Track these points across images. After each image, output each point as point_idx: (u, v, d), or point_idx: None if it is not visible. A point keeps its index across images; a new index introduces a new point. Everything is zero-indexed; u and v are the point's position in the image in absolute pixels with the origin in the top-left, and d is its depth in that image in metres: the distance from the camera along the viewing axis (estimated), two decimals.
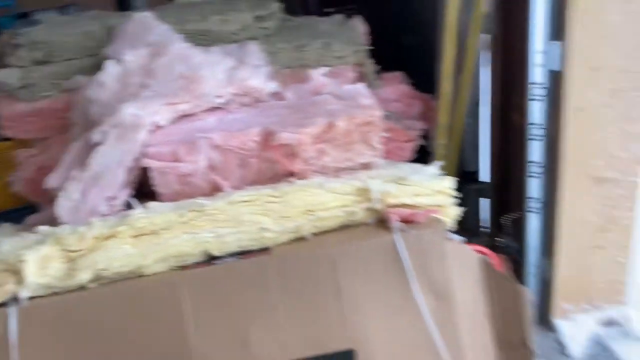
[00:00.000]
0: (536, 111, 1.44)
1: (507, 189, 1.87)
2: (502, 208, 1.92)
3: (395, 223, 1.11)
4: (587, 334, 1.64)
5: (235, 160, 1.24)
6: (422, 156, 1.89)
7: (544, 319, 1.71)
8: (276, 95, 1.42)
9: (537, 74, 1.38)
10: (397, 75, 2.07)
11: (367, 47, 1.90)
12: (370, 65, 1.86)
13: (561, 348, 1.63)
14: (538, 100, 1.41)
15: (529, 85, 1.42)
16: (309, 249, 1.10)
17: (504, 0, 1.63)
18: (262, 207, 1.12)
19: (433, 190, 1.20)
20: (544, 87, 1.40)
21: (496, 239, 1.80)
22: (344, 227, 1.16)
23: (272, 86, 1.38)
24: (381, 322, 1.10)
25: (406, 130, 1.83)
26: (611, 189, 1.49)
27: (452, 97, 1.87)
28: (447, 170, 2.00)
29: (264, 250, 1.12)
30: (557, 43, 1.34)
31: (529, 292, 1.14)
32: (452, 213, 1.22)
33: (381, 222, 1.15)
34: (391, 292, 1.10)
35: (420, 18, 2.40)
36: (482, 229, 2.11)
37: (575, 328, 1.65)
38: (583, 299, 1.65)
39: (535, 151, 1.49)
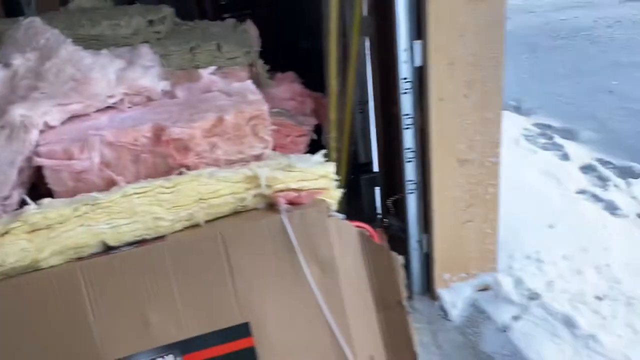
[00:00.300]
0: (406, 103, 1.61)
1: (393, 176, 2.05)
2: (390, 193, 2.10)
3: (282, 205, 1.22)
4: (465, 300, 1.85)
5: (128, 156, 1.30)
6: (317, 150, 2.03)
7: (429, 289, 1.91)
8: (168, 94, 1.50)
9: (404, 70, 1.56)
10: (290, 75, 2.21)
11: (259, 49, 2.02)
12: (261, 66, 1.97)
13: (443, 314, 1.83)
14: (407, 93, 1.59)
15: (400, 80, 1.59)
16: (201, 234, 1.18)
17: (377, 4, 1.80)
18: (155, 197, 1.19)
19: (317, 175, 1.32)
20: (411, 81, 1.57)
21: (384, 220, 1.98)
22: (236, 213, 1.26)
23: (162, 85, 1.45)
24: (273, 295, 1.20)
25: (299, 126, 1.95)
26: (474, 169, 1.70)
27: (340, 95, 2.02)
28: (341, 161, 2.17)
29: (159, 238, 1.19)
30: (419, 42, 1.52)
31: (401, 259, 1.29)
32: (335, 194, 1.35)
33: (270, 206, 1.26)
34: (281, 267, 1.21)
35: (310, 23, 2.55)
36: (378, 215, 2.29)
37: (455, 295, 1.85)
38: (460, 268, 1.86)
39: (408, 139, 1.67)
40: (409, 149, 1.68)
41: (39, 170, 1.25)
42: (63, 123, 1.32)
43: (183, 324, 1.16)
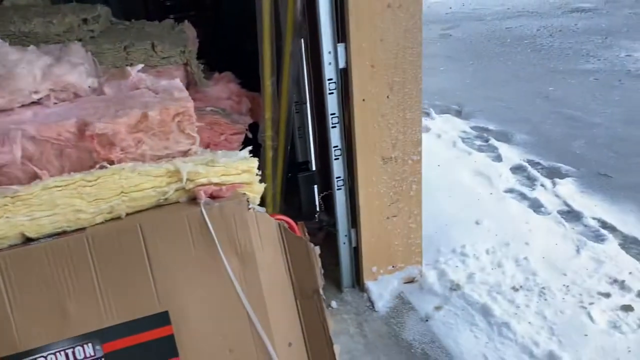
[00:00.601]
0: (332, 103, 1.69)
1: (327, 173, 2.12)
2: (326, 190, 2.17)
3: (202, 198, 1.27)
4: (391, 292, 1.94)
5: (52, 150, 1.32)
6: (255, 148, 2.09)
7: (358, 281, 1.99)
8: (96, 91, 1.52)
9: (328, 71, 1.63)
10: (227, 75, 2.25)
11: (195, 49, 2.06)
12: (196, 65, 2.01)
13: (371, 305, 1.91)
14: (332, 93, 1.66)
15: (325, 81, 1.66)
16: (121, 226, 1.22)
17: (308, 7, 1.86)
18: (77, 190, 1.22)
19: (239, 169, 1.37)
20: (335, 82, 1.65)
21: (315, 215, 2.05)
22: (158, 207, 1.30)
23: (90, 82, 1.47)
24: (192, 285, 1.25)
25: (234, 124, 2.00)
26: (397, 167, 1.79)
27: (275, 95, 2.08)
28: (277, 159, 2.23)
29: (79, 230, 1.22)
30: (342, 45, 1.60)
31: (317, 249, 1.35)
32: (257, 189, 1.41)
33: (192, 200, 1.31)
34: (200, 258, 1.25)
35: (252, 25, 2.61)
36: (316, 212, 2.36)
37: (382, 287, 1.94)
38: (387, 261, 1.95)
39: (335, 137, 1.74)
40: (335, 147, 1.75)
41: None
42: None
43: (102, 313, 1.20)
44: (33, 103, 1.41)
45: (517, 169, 3.00)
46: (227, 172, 1.36)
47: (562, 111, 3.97)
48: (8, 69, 1.38)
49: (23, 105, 1.40)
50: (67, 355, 1.18)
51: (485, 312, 1.81)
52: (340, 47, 1.61)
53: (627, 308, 1.81)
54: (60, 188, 1.22)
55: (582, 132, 3.51)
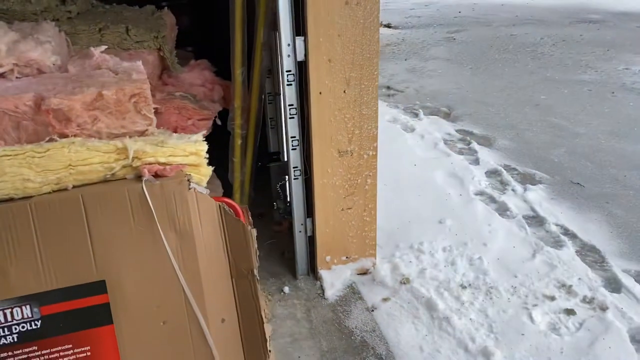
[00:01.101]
0: (290, 94, 1.74)
1: None
2: None
3: (145, 175, 1.34)
4: (343, 281, 2.00)
5: (9, 122, 1.39)
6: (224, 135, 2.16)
7: (313, 270, 2.05)
8: (61, 69, 1.59)
9: (287, 63, 1.69)
10: (202, 62, 2.32)
11: (169, 35, 2.12)
12: (169, 51, 2.07)
13: (322, 292, 1.97)
14: (290, 85, 1.72)
15: (284, 73, 1.72)
16: (65, 196, 1.28)
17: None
18: (26, 161, 1.29)
19: (187, 152, 1.43)
20: (294, 74, 1.71)
21: (274, 203, 2.11)
22: (105, 182, 1.37)
23: (54, 60, 1.54)
24: (130, 257, 1.31)
25: (202, 110, 2.06)
26: (353, 160, 1.85)
27: (246, 84, 2.14)
28: (247, 147, 2.29)
29: (26, 198, 1.29)
30: (301, 38, 1.66)
31: (254, 232, 1.42)
32: (205, 171, 1.47)
33: (138, 177, 1.37)
34: (139, 232, 1.32)
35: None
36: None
37: (334, 276, 2.00)
38: (341, 252, 2.00)
39: (293, 127, 1.80)
40: (293, 137, 1.81)
41: None
42: None
43: (42, 277, 1.26)
44: None
45: (492, 173, 3.04)
46: (175, 153, 1.42)
47: (549, 119, 4.00)
48: None
49: None
50: (5, 314, 1.25)
51: (430, 306, 1.86)
52: (299, 40, 1.66)
53: (570, 312, 1.86)
54: (9, 157, 1.28)
55: (564, 141, 3.54)
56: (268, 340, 1.43)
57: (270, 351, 1.45)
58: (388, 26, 8.80)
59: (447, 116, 4.18)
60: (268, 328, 1.42)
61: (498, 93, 4.79)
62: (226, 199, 1.50)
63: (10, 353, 1.28)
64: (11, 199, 1.29)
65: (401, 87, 5.12)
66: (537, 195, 2.75)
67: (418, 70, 5.78)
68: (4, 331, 1.26)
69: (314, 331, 1.78)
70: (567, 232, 2.41)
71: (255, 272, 1.42)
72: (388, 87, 5.14)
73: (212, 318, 1.40)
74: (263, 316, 1.42)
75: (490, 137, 3.65)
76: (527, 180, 2.97)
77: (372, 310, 1.87)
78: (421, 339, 1.74)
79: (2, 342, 1.26)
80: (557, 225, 2.46)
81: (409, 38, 7.67)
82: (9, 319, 1.26)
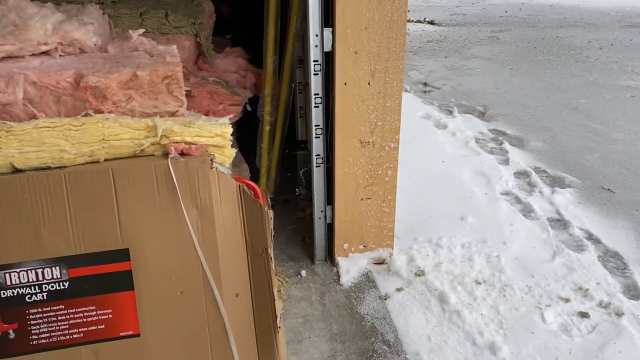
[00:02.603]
0: (316, 84, 1.80)
1: None
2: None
3: (172, 153, 1.42)
4: (359, 269, 2.04)
5: (51, 96, 1.49)
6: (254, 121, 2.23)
7: (330, 256, 2.10)
8: (101, 49, 1.69)
9: (314, 54, 1.74)
10: (237, 50, 2.39)
11: (206, 22, 2.20)
12: (205, 37, 2.15)
13: (337, 278, 2.02)
14: (317, 74, 1.77)
15: (311, 62, 1.77)
16: (97, 168, 1.38)
17: None
18: (63, 133, 1.38)
19: (212, 133, 1.51)
20: (320, 64, 1.75)
21: (296, 189, 2.17)
22: (135, 157, 1.46)
23: (95, 40, 1.64)
24: (153, 228, 1.39)
25: (233, 96, 2.14)
26: (375, 152, 1.89)
27: (277, 73, 2.20)
28: (275, 134, 2.36)
29: (61, 168, 1.39)
30: (329, 29, 1.70)
31: (271, 213, 1.48)
32: (229, 153, 1.54)
33: (166, 155, 1.46)
34: (163, 206, 1.40)
35: None
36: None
37: (351, 264, 2.05)
38: (358, 240, 2.05)
39: (317, 116, 1.85)
40: (317, 125, 1.86)
41: None
42: None
43: (71, 242, 1.36)
44: (42, 53, 1.59)
45: (520, 174, 3.02)
46: (201, 134, 1.49)
47: (586, 124, 3.92)
48: (23, 20, 1.56)
49: (33, 54, 1.58)
50: (37, 273, 1.35)
51: (442, 299, 1.89)
52: (327, 31, 1.71)
53: (584, 315, 1.86)
54: (49, 129, 1.38)
55: (600, 146, 3.48)
56: (278, 317, 1.50)
57: (280, 328, 1.51)
58: (431, 23, 8.73)
59: (481, 115, 4.15)
60: (279, 306, 1.49)
61: (536, 95, 4.71)
62: (246, 180, 1.57)
63: (40, 309, 1.38)
64: (48, 168, 1.39)
65: (438, 84, 5.10)
66: (564, 198, 2.72)
67: (457, 68, 5.73)
68: (35, 289, 1.36)
69: (326, 314, 1.83)
70: (590, 236, 2.39)
71: (270, 251, 1.48)
72: (425, 84, 5.13)
73: (227, 292, 1.47)
74: (275, 294, 1.48)
75: (523, 138, 3.61)
76: (556, 183, 2.94)
77: (385, 299, 1.91)
78: (430, 330, 1.77)
79: (33, 299, 1.37)
80: (581, 229, 2.43)
81: (452, 35, 7.60)
82: (40, 278, 1.36)
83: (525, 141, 3.57)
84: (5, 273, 1.33)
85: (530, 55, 6.27)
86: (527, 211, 2.58)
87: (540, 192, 2.79)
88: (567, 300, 1.92)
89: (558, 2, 10.89)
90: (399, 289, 1.95)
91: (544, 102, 4.50)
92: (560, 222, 2.50)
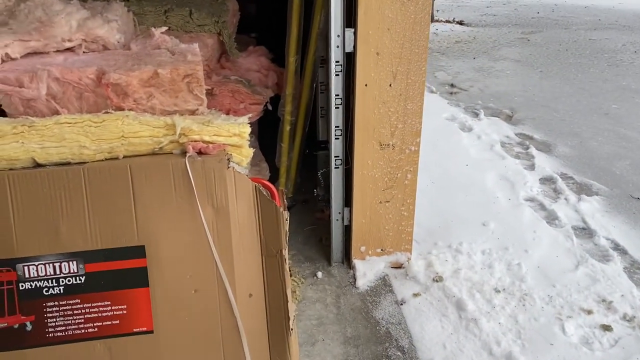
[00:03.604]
0: (337, 84, 1.78)
1: None
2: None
3: (190, 151, 1.42)
4: (376, 272, 2.02)
5: (73, 92, 1.51)
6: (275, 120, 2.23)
7: (347, 258, 2.09)
8: (125, 47, 1.70)
9: (335, 54, 1.72)
10: (260, 49, 2.39)
11: (230, 21, 2.20)
12: (228, 36, 2.16)
13: (353, 281, 2.00)
14: (338, 75, 1.76)
15: (332, 63, 1.76)
16: (115, 164, 1.39)
17: None
18: (83, 129, 1.40)
19: (230, 132, 1.51)
20: (341, 65, 1.74)
21: (314, 190, 2.15)
22: (153, 154, 1.47)
23: (118, 37, 1.65)
24: (169, 226, 1.40)
25: (254, 95, 2.14)
26: (395, 154, 1.86)
27: (299, 73, 2.20)
28: (295, 134, 2.36)
29: (81, 163, 1.40)
30: (351, 30, 1.69)
31: (287, 214, 1.47)
32: (246, 152, 1.54)
33: (184, 153, 1.46)
34: (179, 204, 1.40)
35: None
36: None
37: (368, 267, 2.03)
38: (376, 243, 2.03)
39: (337, 117, 1.84)
40: (337, 127, 1.85)
41: None
42: (23, 57, 1.54)
43: (88, 237, 1.37)
44: (67, 50, 1.62)
45: (546, 180, 2.96)
46: (219, 133, 1.49)
47: (617, 130, 3.81)
48: (49, 17, 1.59)
49: (57, 51, 1.60)
50: (54, 267, 1.37)
51: (459, 306, 1.86)
52: (349, 32, 1.69)
53: (606, 328, 1.80)
54: (70, 125, 1.40)
55: (630, 153, 3.38)
56: (291, 318, 1.49)
57: (292, 329, 1.50)
58: (460, 23, 8.62)
59: (508, 118, 4.08)
60: (292, 307, 1.48)
61: (566, 98, 4.61)
62: (263, 180, 1.56)
63: (56, 303, 1.40)
64: (68, 163, 1.41)
65: (465, 86, 5.03)
66: (590, 206, 2.65)
67: (485, 70, 5.65)
68: (52, 282, 1.38)
69: (340, 317, 1.82)
70: (617, 247, 2.32)
71: (284, 252, 1.47)
72: (452, 85, 5.06)
73: (240, 291, 1.47)
74: (288, 295, 1.48)
75: (550, 143, 3.53)
76: (582, 190, 2.86)
77: (401, 304, 1.89)
78: (446, 337, 1.74)
79: (50, 292, 1.39)
80: (607, 239, 2.37)
81: (481, 36, 7.49)
82: (58, 271, 1.38)
83: (552, 146, 3.49)
84: (24, 266, 1.35)
85: (562, 58, 6.13)
86: (552, 218, 2.52)
87: (565, 199, 2.72)
88: (589, 312, 1.86)
89: (593, 3, 10.63)
90: (415, 295, 1.93)
91: (574, 106, 4.39)
92: (585, 231, 2.44)
